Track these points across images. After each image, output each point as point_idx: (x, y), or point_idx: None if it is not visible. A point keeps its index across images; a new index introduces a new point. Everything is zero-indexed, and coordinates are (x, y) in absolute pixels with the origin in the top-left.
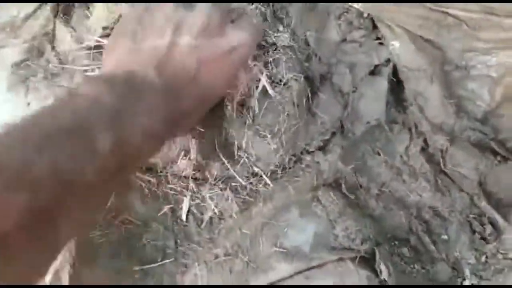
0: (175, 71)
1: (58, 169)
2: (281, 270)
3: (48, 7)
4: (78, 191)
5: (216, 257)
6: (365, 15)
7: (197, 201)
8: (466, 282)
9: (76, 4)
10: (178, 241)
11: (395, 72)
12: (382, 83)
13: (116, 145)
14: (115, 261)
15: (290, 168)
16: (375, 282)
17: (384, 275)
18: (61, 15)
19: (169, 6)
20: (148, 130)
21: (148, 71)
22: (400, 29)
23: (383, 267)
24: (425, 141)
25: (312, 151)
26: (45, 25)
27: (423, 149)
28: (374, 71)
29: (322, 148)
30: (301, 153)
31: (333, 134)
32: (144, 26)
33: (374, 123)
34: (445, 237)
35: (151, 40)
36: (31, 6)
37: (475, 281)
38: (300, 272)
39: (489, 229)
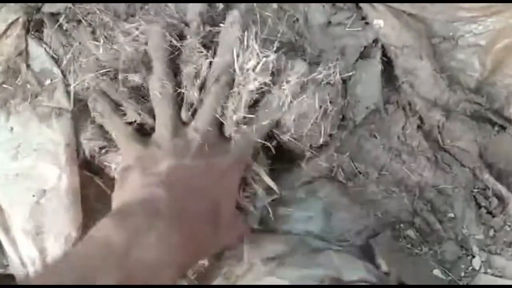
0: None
1: None
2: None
3: (19, 25)
4: None
5: None
6: None
7: None
8: (476, 259)
9: (46, 20)
10: None
11: (383, 51)
12: (375, 66)
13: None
14: None
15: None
16: (376, 273)
17: (384, 268)
18: (33, 32)
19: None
20: (156, 261)
21: (159, 193)
22: (383, 7)
23: (381, 261)
24: (420, 118)
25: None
26: (17, 44)
27: (419, 127)
28: (363, 54)
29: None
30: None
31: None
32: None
33: (373, 108)
34: (451, 215)
35: (167, 162)
36: (2, 26)
37: (484, 257)
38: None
39: (494, 202)
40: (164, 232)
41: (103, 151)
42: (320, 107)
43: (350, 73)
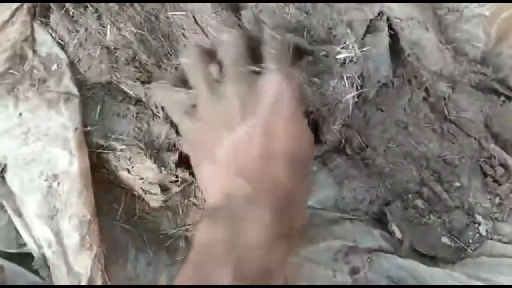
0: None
1: None
2: None
3: (24, 11)
4: None
5: None
6: None
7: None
8: (481, 228)
9: (53, 5)
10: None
11: (388, 24)
12: (383, 39)
13: (235, 277)
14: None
15: None
16: (390, 240)
17: (398, 235)
18: (39, 18)
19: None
20: (263, 242)
21: (244, 189)
22: None
23: (395, 228)
24: (426, 90)
25: None
26: (23, 30)
27: (425, 99)
28: (370, 28)
29: None
30: None
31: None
32: (209, 136)
33: (384, 81)
34: (457, 184)
35: (227, 141)
36: (7, 12)
37: (490, 225)
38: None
39: (500, 170)
40: (257, 215)
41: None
42: (352, 85)
43: (365, 48)
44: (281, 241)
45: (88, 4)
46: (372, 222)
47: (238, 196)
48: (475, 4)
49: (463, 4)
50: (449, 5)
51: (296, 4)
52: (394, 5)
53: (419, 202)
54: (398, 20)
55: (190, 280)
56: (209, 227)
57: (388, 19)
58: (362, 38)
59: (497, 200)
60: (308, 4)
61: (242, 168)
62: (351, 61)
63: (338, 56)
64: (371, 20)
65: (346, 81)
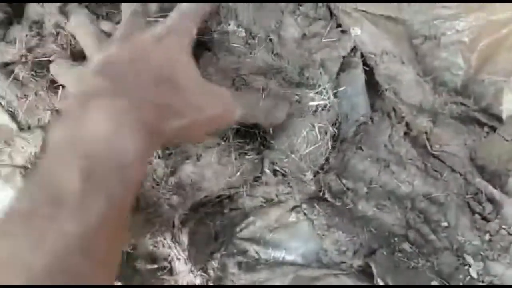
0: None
1: None
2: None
3: None
4: None
5: None
6: (320, 4)
7: None
8: (471, 270)
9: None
10: None
11: (363, 59)
12: (359, 76)
13: (83, 177)
14: None
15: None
16: None
17: None
18: None
19: None
20: (112, 130)
21: (102, 85)
22: (358, 13)
23: (380, 282)
24: (406, 125)
25: None
26: None
27: (406, 134)
28: (344, 65)
29: None
30: None
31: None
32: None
33: (363, 120)
34: (444, 224)
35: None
36: None
37: (480, 266)
38: None
39: (488, 207)
40: (107, 103)
41: None
42: (326, 133)
43: (341, 89)
44: (138, 133)
45: (36, 70)
46: (358, 274)
47: (91, 91)
48: (453, 31)
49: (440, 31)
50: (426, 32)
51: (263, 45)
52: (367, 40)
53: (406, 246)
54: (372, 56)
55: (42, 198)
56: (56, 127)
57: (362, 55)
58: (336, 77)
59: (486, 236)
60: (277, 44)
61: (107, 73)
62: (323, 109)
63: (310, 103)
64: (344, 57)
65: (317, 131)
